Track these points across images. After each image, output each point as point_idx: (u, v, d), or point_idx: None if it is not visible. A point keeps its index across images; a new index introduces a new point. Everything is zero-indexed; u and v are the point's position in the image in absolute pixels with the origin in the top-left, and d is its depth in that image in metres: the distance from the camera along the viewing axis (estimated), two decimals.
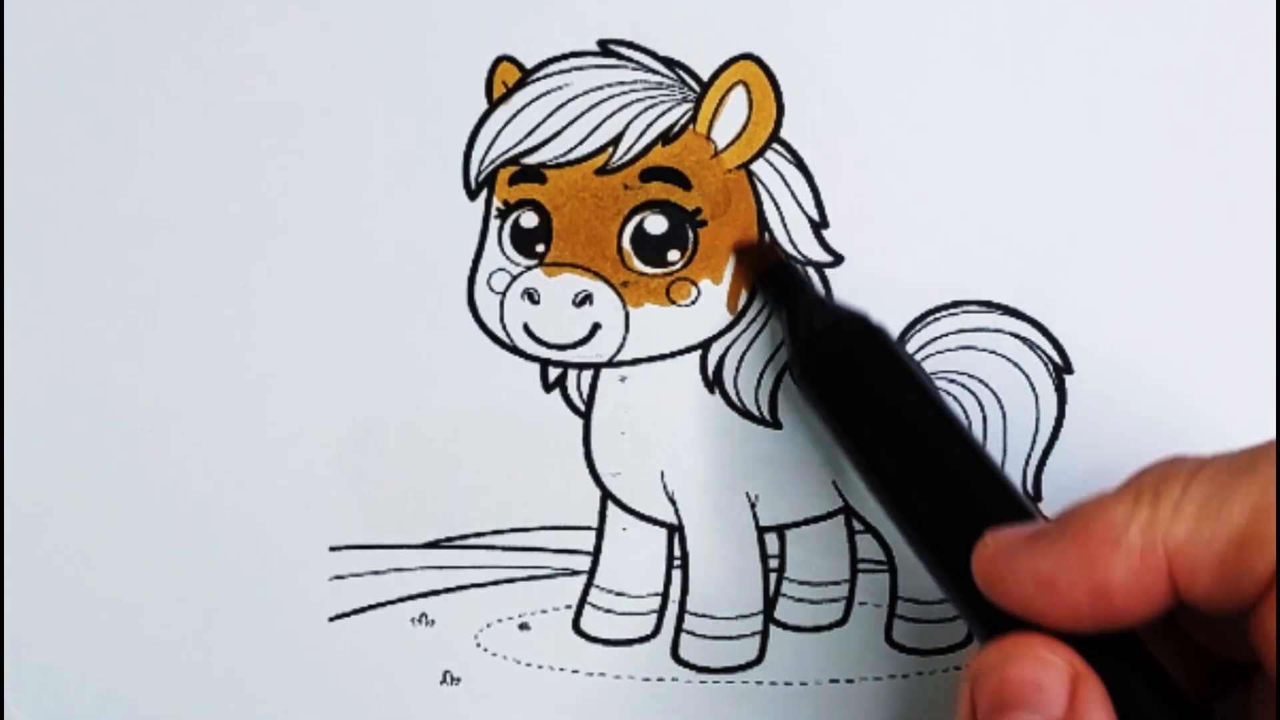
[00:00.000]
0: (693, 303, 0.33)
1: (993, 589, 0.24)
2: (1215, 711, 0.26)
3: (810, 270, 0.33)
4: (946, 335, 0.32)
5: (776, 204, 0.32)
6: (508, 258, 0.33)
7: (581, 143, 0.33)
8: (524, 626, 0.34)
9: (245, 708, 0.35)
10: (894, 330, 0.32)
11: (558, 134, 0.33)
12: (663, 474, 0.33)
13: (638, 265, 0.33)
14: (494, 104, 0.33)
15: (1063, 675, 0.23)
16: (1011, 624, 0.24)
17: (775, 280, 0.32)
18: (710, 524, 0.33)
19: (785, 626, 0.33)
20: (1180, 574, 0.22)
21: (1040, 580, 0.23)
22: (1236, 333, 0.32)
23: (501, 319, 0.33)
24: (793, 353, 0.30)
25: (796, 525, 0.33)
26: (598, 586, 0.34)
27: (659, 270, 0.33)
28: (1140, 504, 0.22)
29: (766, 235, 0.32)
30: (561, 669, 0.34)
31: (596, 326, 0.33)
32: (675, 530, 0.33)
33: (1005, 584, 0.23)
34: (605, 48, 0.33)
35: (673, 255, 0.33)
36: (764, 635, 0.33)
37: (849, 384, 0.29)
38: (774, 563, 0.33)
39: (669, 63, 0.32)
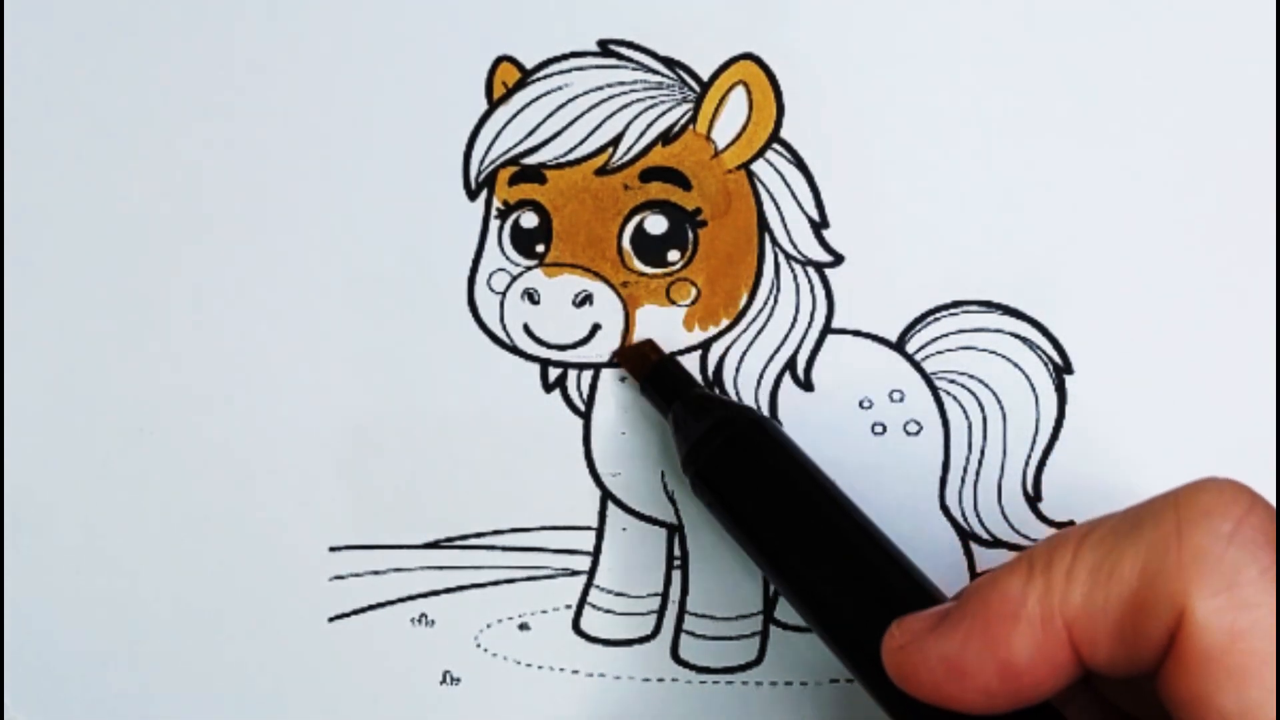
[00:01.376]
0: (693, 303, 0.33)
1: (904, 680, 0.23)
2: None
3: (810, 270, 0.33)
4: (946, 335, 0.32)
5: (776, 204, 0.32)
6: (508, 258, 0.33)
7: (581, 143, 0.33)
8: (524, 626, 0.34)
9: (245, 708, 0.35)
10: (894, 330, 0.32)
11: (558, 134, 0.33)
12: (663, 474, 0.33)
13: (638, 265, 0.33)
14: (494, 104, 0.33)
15: None
16: (928, 712, 0.23)
17: (657, 382, 0.32)
18: (710, 524, 0.33)
19: (785, 626, 0.33)
20: (1080, 642, 0.22)
21: (948, 665, 0.22)
22: (1236, 333, 0.32)
23: (501, 319, 0.33)
24: (682, 456, 0.30)
25: None
26: (598, 586, 0.34)
27: (659, 270, 0.33)
28: (1035, 574, 0.22)
29: (647, 340, 0.32)
30: (561, 669, 0.34)
31: (596, 327, 0.33)
32: (675, 530, 0.33)
33: (916, 674, 0.23)
34: (605, 48, 0.33)
35: (673, 255, 0.33)
36: (764, 635, 0.33)
37: (740, 483, 0.29)
38: None
39: (669, 63, 0.32)
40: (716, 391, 0.33)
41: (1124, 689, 0.25)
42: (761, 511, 0.28)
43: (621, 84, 0.32)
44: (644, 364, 0.32)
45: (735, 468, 0.29)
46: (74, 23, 0.34)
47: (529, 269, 0.33)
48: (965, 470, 0.33)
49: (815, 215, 0.32)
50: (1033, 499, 0.33)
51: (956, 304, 0.32)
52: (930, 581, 0.27)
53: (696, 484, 0.30)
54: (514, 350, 0.33)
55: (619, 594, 0.34)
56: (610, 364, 0.33)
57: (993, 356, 0.32)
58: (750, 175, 0.32)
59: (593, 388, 0.33)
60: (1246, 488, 0.22)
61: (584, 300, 0.33)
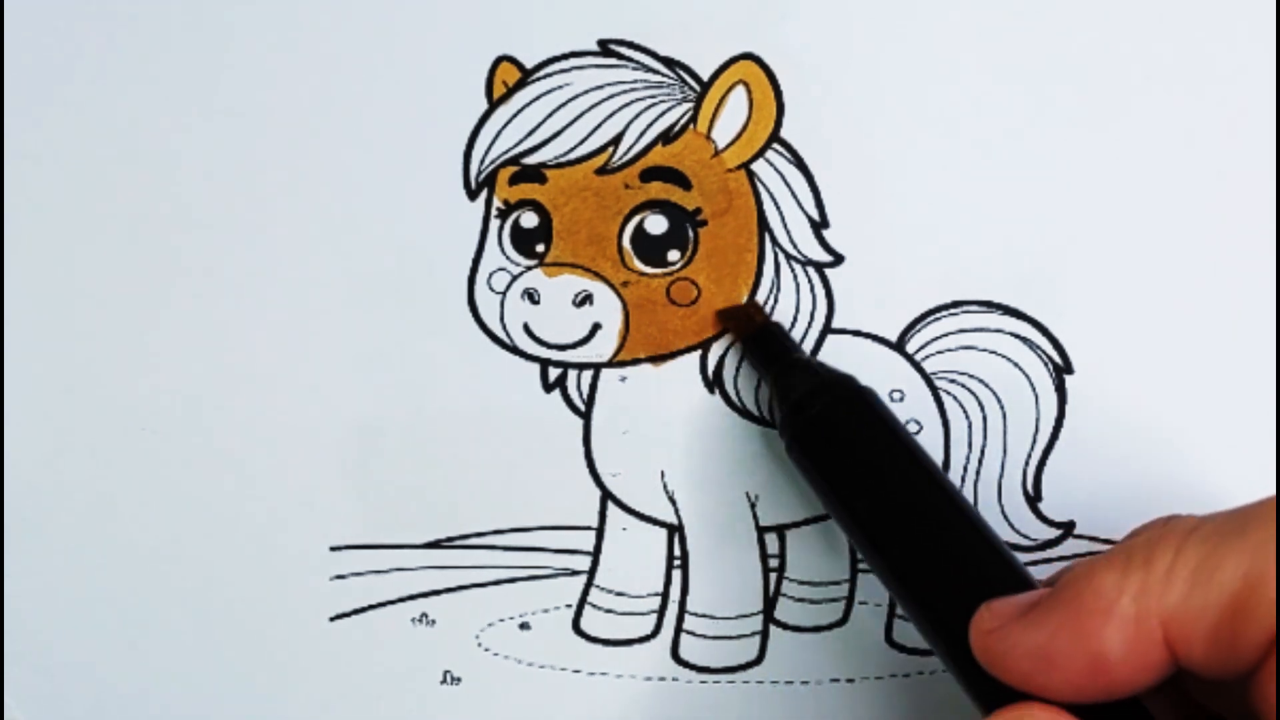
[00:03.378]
0: (693, 302, 0.33)
1: (991, 664, 0.23)
2: None
3: (810, 270, 0.33)
4: (946, 335, 0.33)
5: (777, 204, 0.32)
6: (508, 258, 0.33)
7: (581, 143, 0.33)
8: (524, 626, 0.34)
9: (245, 708, 0.35)
10: (894, 330, 0.32)
11: (558, 134, 0.33)
12: (663, 474, 0.33)
13: (638, 265, 0.33)
14: (494, 104, 0.33)
15: None
16: (1012, 696, 0.23)
17: (761, 343, 0.32)
18: (710, 524, 0.33)
19: (785, 626, 0.33)
20: (1176, 642, 0.21)
21: (1037, 655, 0.22)
22: (1236, 332, 0.32)
23: (501, 319, 0.33)
24: (782, 416, 0.30)
25: (796, 525, 0.33)
26: (598, 586, 0.34)
27: (659, 270, 0.33)
28: (1132, 571, 0.22)
29: (753, 299, 0.32)
30: (561, 669, 0.34)
31: (596, 326, 0.33)
32: (675, 530, 0.33)
33: (1004, 659, 0.23)
34: (605, 48, 0.33)
35: (673, 255, 0.33)
36: (764, 635, 0.33)
37: (839, 449, 0.29)
38: (774, 563, 0.33)
39: (669, 63, 0.32)
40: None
41: (1213, 688, 0.25)
42: (859, 481, 0.28)
43: (621, 84, 0.32)
44: (748, 325, 0.32)
45: (836, 433, 0.29)
46: (74, 23, 0.34)
47: (529, 269, 0.33)
48: (965, 470, 0.33)
49: (815, 215, 0.32)
50: (1033, 499, 0.33)
51: (956, 304, 0.32)
52: (1024, 568, 0.27)
53: (792, 448, 0.30)
54: (514, 350, 0.33)
55: (619, 594, 0.34)
56: (611, 364, 0.33)
57: (993, 356, 0.32)
58: (750, 175, 0.32)
59: (593, 388, 0.33)
60: None
61: (584, 300, 0.33)
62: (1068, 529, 0.32)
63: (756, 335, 0.32)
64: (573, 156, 0.33)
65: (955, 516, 0.27)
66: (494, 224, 0.33)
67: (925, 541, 0.27)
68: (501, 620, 0.34)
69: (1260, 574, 0.21)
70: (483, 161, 0.33)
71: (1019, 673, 0.23)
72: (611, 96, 0.32)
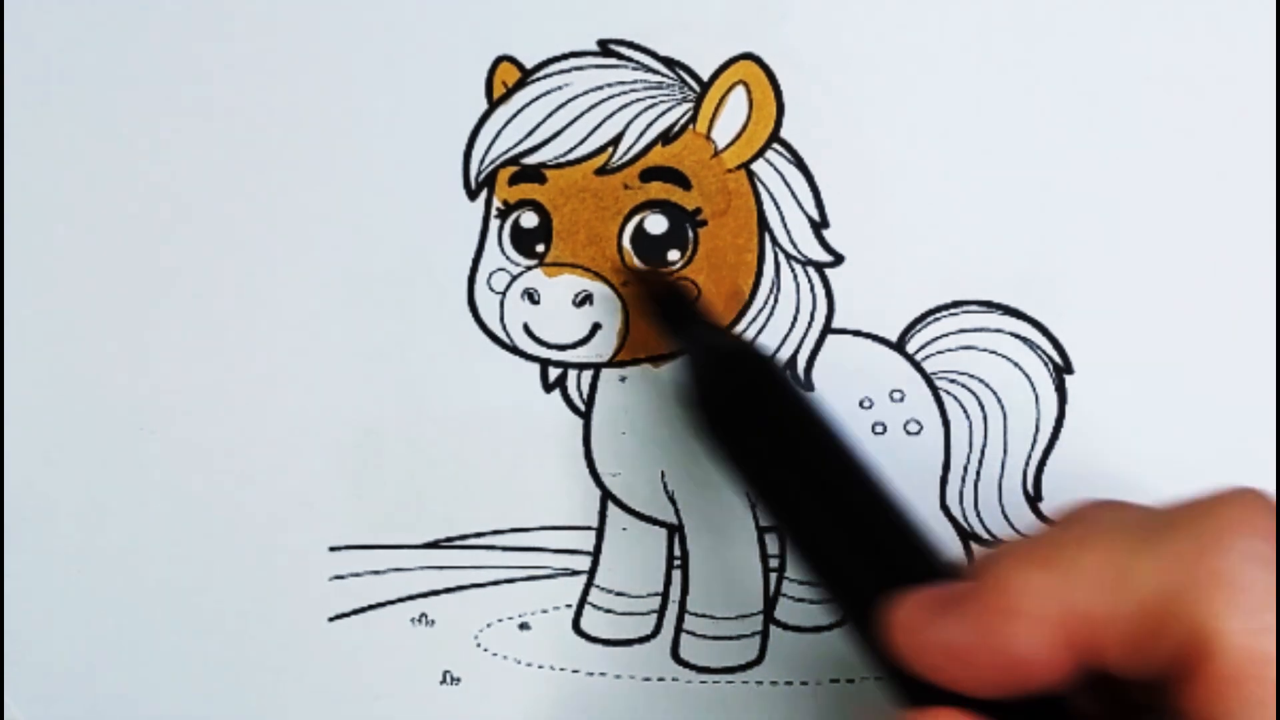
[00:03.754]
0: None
1: (909, 657, 0.23)
2: None
3: (810, 270, 0.33)
4: (946, 335, 0.32)
5: (776, 204, 0.32)
6: (508, 258, 0.33)
7: (581, 143, 0.33)
8: (524, 626, 0.34)
9: (245, 708, 0.35)
10: (894, 330, 0.32)
11: (558, 134, 0.33)
12: (663, 474, 0.33)
13: (638, 265, 0.33)
14: (494, 104, 0.33)
15: None
16: (930, 691, 0.23)
17: (671, 310, 0.31)
18: (710, 524, 0.33)
19: (785, 626, 0.33)
20: (1090, 645, 0.21)
21: (953, 651, 0.22)
22: (1236, 333, 0.32)
23: (501, 319, 0.33)
24: (692, 397, 0.29)
25: None
26: (598, 586, 0.34)
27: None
28: (1050, 570, 0.21)
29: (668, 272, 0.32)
30: (561, 669, 0.34)
31: (596, 326, 0.33)
32: (675, 530, 0.33)
33: (919, 653, 0.23)
34: (605, 48, 0.33)
35: (673, 255, 0.33)
36: (764, 635, 0.33)
37: (751, 428, 0.27)
38: (774, 563, 0.33)
39: (669, 63, 0.32)
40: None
41: (1143, 687, 0.24)
42: (769, 459, 0.27)
43: (621, 84, 0.32)
44: (661, 292, 0.31)
45: (743, 413, 0.28)
46: (74, 23, 0.34)
47: (529, 269, 0.33)
48: (965, 470, 0.33)
49: (815, 215, 0.32)
50: (1033, 499, 0.33)
51: (956, 304, 0.32)
52: (943, 552, 0.26)
53: (704, 428, 0.28)
54: (514, 350, 0.33)
55: (619, 594, 0.34)
56: (611, 364, 0.33)
57: (993, 356, 0.32)
58: (750, 175, 0.32)
59: (593, 388, 0.33)
60: (1269, 501, 0.21)
61: (584, 300, 0.33)
62: None
63: (671, 310, 0.31)
64: (572, 157, 0.33)
65: (874, 500, 0.26)
66: (494, 224, 0.33)
67: (840, 525, 0.26)
68: (501, 620, 0.34)
69: (1179, 583, 0.20)
70: (483, 161, 0.33)
71: (934, 667, 0.22)
72: (611, 97, 0.32)
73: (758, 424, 0.27)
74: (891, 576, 0.24)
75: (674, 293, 0.32)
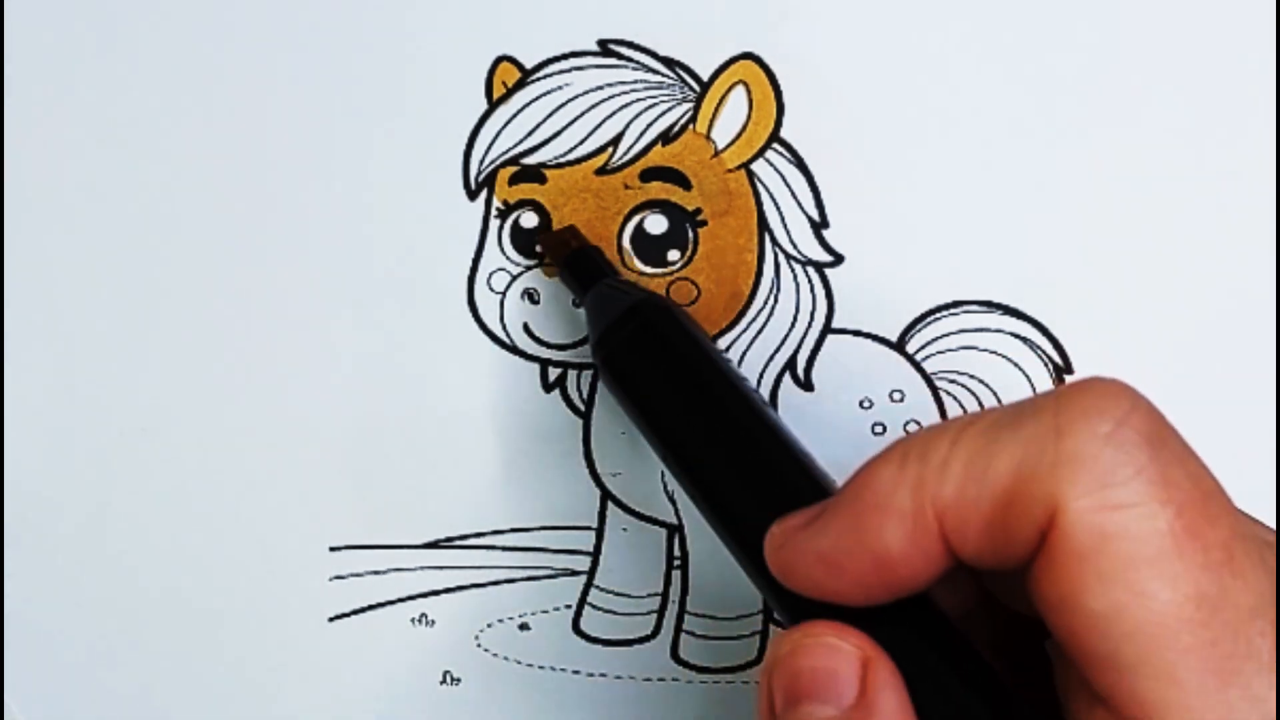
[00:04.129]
0: (693, 303, 0.33)
1: (784, 575, 0.23)
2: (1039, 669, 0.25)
3: (810, 270, 0.33)
4: (947, 335, 0.32)
5: (777, 204, 0.32)
6: (508, 258, 0.33)
7: (581, 143, 0.33)
8: (524, 626, 0.34)
9: (245, 708, 0.35)
10: (894, 330, 0.32)
11: (558, 134, 0.33)
12: (663, 474, 0.33)
13: (638, 265, 0.33)
14: (494, 104, 0.33)
15: (852, 661, 0.22)
16: (813, 609, 0.23)
17: (578, 267, 0.31)
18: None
19: (785, 626, 0.33)
20: (951, 534, 0.21)
21: (824, 559, 0.22)
22: (1236, 332, 0.32)
23: (501, 319, 0.33)
24: (592, 342, 0.30)
25: None
26: (598, 587, 0.34)
27: (659, 270, 0.33)
28: (908, 465, 0.22)
29: (571, 226, 0.32)
30: (561, 669, 0.34)
31: None
32: (675, 530, 0.33)
33: (793, 569, 0.23)
34: (605, 48, 0.33)
35: (673, 255, 0.33)
36: (764, 635, 0.33)
37: (647, 369, 0.28)
38: None
39: (669, 63, 0.32)
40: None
41: (1007, 584, 0.25)
42: (663, 399, 0.28)
43: (621, 84, 0.32)
44: (563, 249, 0.32)
45: (641, 356, 0.28)
46: (74, 23, 0.34)
47: (529, 269, 0.33)
48: None
49: (815, 215, 0.32)
50: None
51: (956, 304, 0.32)
52: (828, 478, 0.26)
53: (603, 372, 0.29)
54: (514, 350, 0.33)
55: (619, 594, 0.34)
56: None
57: (993, 356, 0.32)
58: (750, 175, 0.32)
59: (593, 388, 0.33)
60: (1130, 388, 0.21)
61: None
62: None
63: (572, 259, 0.32)
64: (572, 157, 0.33)
65: (762, 433, 0.27)
66: (494, 224, 0.33)
67: (729, 461, 0.26)
68: (501, 621, 0.34)
69: (1032, 466, 0.20)
70: (482, 162, 0.33)
71: (809, 580, 0.23)
72: (611, 97, 0.32)
73: (651, 368, 0.28)
74: (775, 504, 0.24)
75: (579, 250, 0.32)
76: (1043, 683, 0.23)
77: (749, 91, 0.32)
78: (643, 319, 0.29)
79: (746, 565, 0.26)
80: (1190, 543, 0.20)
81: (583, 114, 0.33)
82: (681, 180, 0.32)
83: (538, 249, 0.33)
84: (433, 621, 0.34)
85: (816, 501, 0.24)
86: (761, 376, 0.33)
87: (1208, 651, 0.19)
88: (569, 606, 0.34)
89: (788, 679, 0.23)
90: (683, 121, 0.32)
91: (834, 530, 0.22)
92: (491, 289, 0.33)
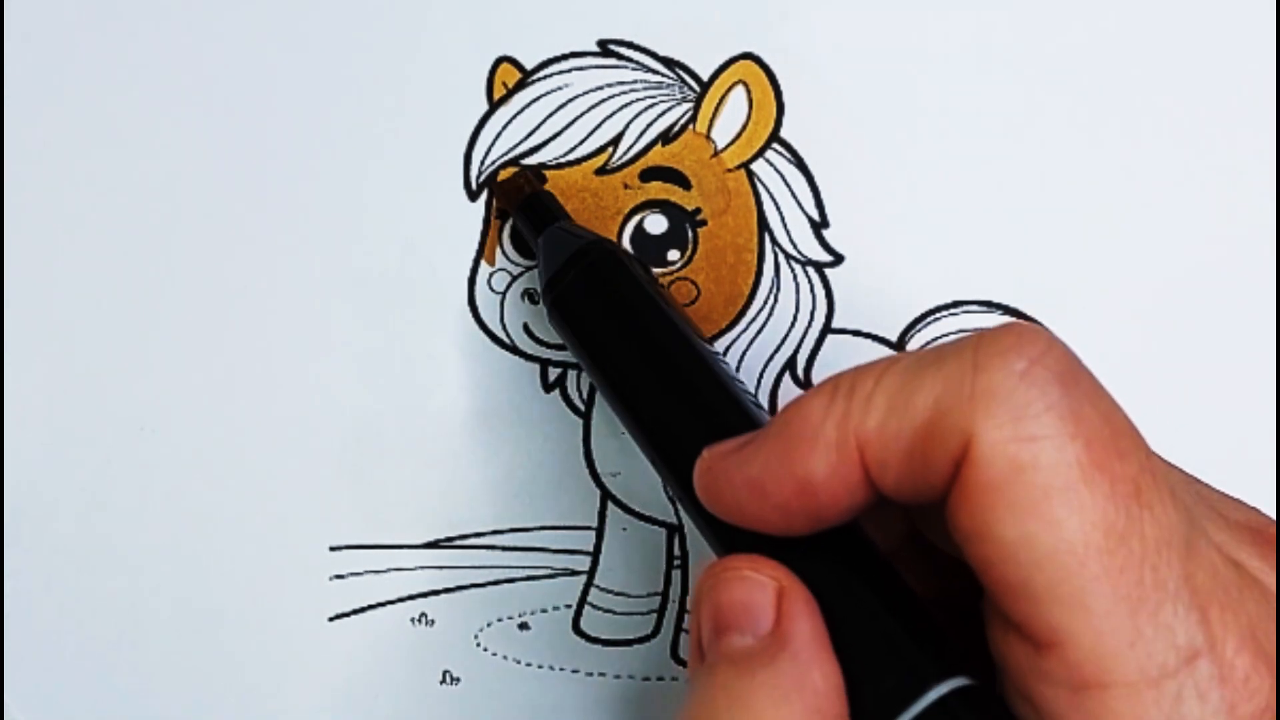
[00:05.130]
0: (692, 303, 0.33)
1: (711, 501, 0.24)
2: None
3: (810, 270, 0.33)
4: (946, 335, 0.32)
5: (776, 204, 0.33)
6: (508, 258, 0.33)
7: (581, 143, 0.33)
8: (524, 626, 0.34)
9: (245, 708, 0.35)
10: (894, 330, 0.32)
11: (558, 134, 0.33)
12: None
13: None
14: (494, 105, 0.33)
15: (767, 591, 0.23)
16: (740, 539, 0.24)
17: (531, 211, 0.32)
18: None
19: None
20: (872, 465, 0.22)
21: (750, 484, 0.23)
22: (1236, 333, 0.32)
23: (501, 319, 0.33)
24: (543, 284, 0.30)
25: None
26: (598, 586, 0.34)
27: (659, 270, 0.33)
28: (836, 398, 0.22)
29: (525, 169, 0.33)
30: (561, 669, 0.34)
31: None
32: (675, 530, 0.33)
33: (719, 494, 0.24)
34: (605, 48, 0.33)
35: (673, 255, 0.33)
36: None
37: (594, 314, 0.29)
38: None
39: (669, 63, 0.32)
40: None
41: (934, 524, 0.25)
42: (606, 337, 0.29)
43: (621, 84, 0.32)
44: (517, 195, 0.32)
45: (587, 298, 0.29)
46: (74, 22, 0.34)
47: (529, 269, 0.33)
48: None
49: (815, 215, 0.32)
50: None
51: (956, 304, 0.32)
52: (763, 415, 0.27)
53: (551, 314, 0.30)
54: (514, 350, 0.33)
55: (619, 594, 0.34)
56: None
57: None
58: (750, 175, 0.33)
59: (593, 388, 0.33)
60: (1047, 331, 0.22)
61: None
62: None
63: (526, 203, 0.32)
64: (572, 157, 0.33)
65: (698, 370, 0.27)
66: (494, 224, 0.33)
67: (666, 397, 0.27)
68: (501, 620, 0.34)
69: (951, 400, 0.21)
70: (483, 162, 0.33)
71: (734, 505, 0.23)
72: (611, 97, 0.33)
73: (596, 307, 0.29)
74: (707, 436, 0.25)
75: (533, 194, 0.32)
76: (973, 621, 0.24)
77: (749, 91, 0.32)
78: (590, 261, 0.29)
79: (679, 495, 0.26)
80: (1098, 474, 0.20)
81: (583, 114, 0.33)
82: (681, 180, 0.32)
83: (490, 193, 0.33)
84: (432, 621, 0.34)
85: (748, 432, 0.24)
86: (761, 376, 0.33)
87: (1116, 579, 0.20)
88: (569, 606, 0.34)
89: (710, 611, 0.24)
90: (683, 121, 0.32)
91: (761, 457, 0.23)
92: (491, 289, 0.33)
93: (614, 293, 0.29)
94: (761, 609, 0.23)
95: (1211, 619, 0.20)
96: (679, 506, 0.33)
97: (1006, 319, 0.32)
